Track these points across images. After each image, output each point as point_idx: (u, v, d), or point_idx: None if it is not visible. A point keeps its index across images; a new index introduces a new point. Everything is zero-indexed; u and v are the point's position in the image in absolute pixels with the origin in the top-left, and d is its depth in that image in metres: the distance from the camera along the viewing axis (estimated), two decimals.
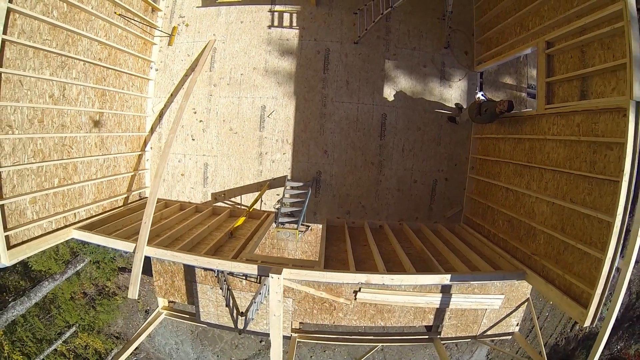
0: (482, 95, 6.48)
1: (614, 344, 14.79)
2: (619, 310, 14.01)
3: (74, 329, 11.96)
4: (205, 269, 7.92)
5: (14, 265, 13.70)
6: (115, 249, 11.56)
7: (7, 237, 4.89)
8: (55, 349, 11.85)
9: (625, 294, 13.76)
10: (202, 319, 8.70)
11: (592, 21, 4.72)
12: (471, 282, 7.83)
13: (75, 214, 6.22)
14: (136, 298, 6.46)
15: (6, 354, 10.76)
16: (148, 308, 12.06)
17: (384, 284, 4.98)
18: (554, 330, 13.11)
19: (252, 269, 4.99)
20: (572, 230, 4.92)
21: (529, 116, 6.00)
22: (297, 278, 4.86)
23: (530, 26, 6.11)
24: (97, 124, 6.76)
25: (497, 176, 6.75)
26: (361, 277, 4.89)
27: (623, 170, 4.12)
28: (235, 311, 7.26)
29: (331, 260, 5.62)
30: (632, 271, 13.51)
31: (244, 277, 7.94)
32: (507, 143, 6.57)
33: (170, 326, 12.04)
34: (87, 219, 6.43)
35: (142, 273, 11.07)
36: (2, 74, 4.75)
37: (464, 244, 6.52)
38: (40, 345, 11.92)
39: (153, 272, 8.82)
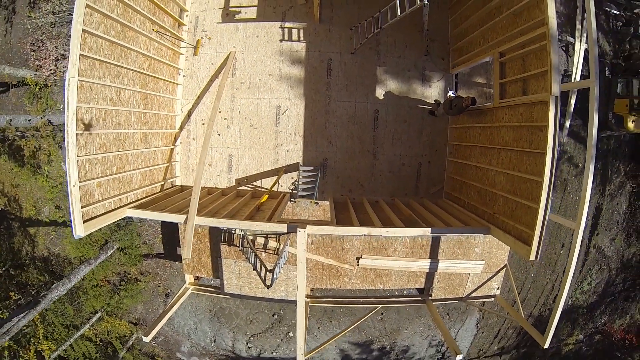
0: (452, 93, 8.71)
1: (598, 317, 16.87)
2: (601, 286, 16.29)
3: (99, 314, 13.87)
4: (242, 236, 9.99)
5: (34, 261, 15.60)
6: (139, 236, 13.59)
7: (82, 213, 6.75)
8: (83, 334, 13.75)
9: (605, 270, 16.09)
10: (226, 291, 10.78)
11: (529, 39, 6.97)
12: (448, 235, 10.17)
13: (127, 197, 8.25)
14: (189, 257, 8.46)
15: (40, 336, 12.61)
16: (168, 291, 14.06)
17: (381, 236, 7.16)
18: (537, 301, 15.35)
19: (282, 228, 7.11)
20: (520, 192, 7.12)
21: (489, 109, 8.25)
22: (317, 232, 7.02)
23: (489, 39, 8.35)
24: (142, 122, 8.85)
25: (469, 157, 8.98)
26: (364, 230, 7.05)
27: (547, 145, 6.35)
28: (263, 270, 9.36)
29: (340, 222, 7.79)
30: (610, 248, 15.90)
31: (263, 250, 10.08)
32: (474, 131, 8.81)
33: (189, 307, 14.05)
34: (135, 201, 8.46)
35: (163, 258, 13.13)
36: (79, 81, 6.75)
37: (445, 212, 8.74)
38: (69, 331, 13.83)
39: (182, 251, 10.89)
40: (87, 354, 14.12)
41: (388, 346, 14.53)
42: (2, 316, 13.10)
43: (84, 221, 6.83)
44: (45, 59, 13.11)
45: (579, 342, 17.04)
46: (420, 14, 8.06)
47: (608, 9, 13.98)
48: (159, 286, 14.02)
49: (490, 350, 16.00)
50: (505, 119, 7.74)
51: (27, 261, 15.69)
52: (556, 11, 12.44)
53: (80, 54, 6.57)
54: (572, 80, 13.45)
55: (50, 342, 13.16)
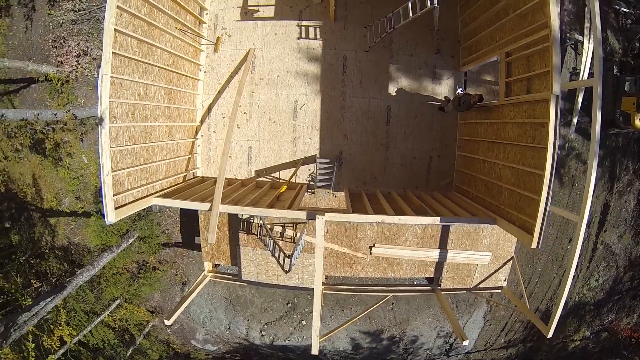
0: (461, 90, 9.43)
1: (605, 315, 17.49)
2: (609, 283, 16.87)
3: (118, 301, 14.80)
4: (261, 225, 10.80)
5: (54, 251, 16.56)
6: (158, 225, 14.46)
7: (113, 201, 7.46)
8: (102, 320, 14.68)
9: (613, 267, 16.70)
10: (243, 278, 11.59)
11: (533, 40, 7.67)
12: (457, 226, 10.91)
13: (153, 186, 9.02)
14: (214, 242, 9.30)
15: (62, 322, 13.51)
16: (185, 280, 14.95)
17: (393, 223, 7.92)
18: (543, 296, 16.06)
19: (302, 215, 7.88)
20: (523, 185, 7.82)
21: (495, 106, 8.96)
22: (335, 219, 7.79)
23: (497, 39, 9.03)
24: (166, 116, 9.66)
25: (477, 152, 9.69)
26: (378, 218, 7.81)
27: (548, 140, 7.06)
28: (282, 256, 10.17)
29: (355, 211, 8.57)
30: (618, 246, 16.49)
31: (280, 239, 10.88)
32: (482, 126, 9.52)
33: (205, 295, 14.93)
34: (159, 191, 9.26)
35: (181, 247, 14.00)
36: (111, 78, 7.52)
37: (454, 204, 9.48)
38: (89, 317, 14.79)
39: (201, 240, 11.73)
40: (106, 339, 15.07)
41: (397, 336, 15.33)
42: (25, 302, 14.06)
43: (115, 208, 7.62)
44: (67, 55, 13.98)
45: (586, 338, 17.67)
46: (431, 14, 8.79)
47: (618, 7, 14.55)
48: (176, 275, 14.91)
49: (497, 343, 16.75)
50: (510, 115, 8.44)
51: (46, 250, 16.65)
52: (565, 9, 13.14)
53: (113, 52, 7.35)
54: (580, 78, 14.09)
55: (71, 328, 14.08)
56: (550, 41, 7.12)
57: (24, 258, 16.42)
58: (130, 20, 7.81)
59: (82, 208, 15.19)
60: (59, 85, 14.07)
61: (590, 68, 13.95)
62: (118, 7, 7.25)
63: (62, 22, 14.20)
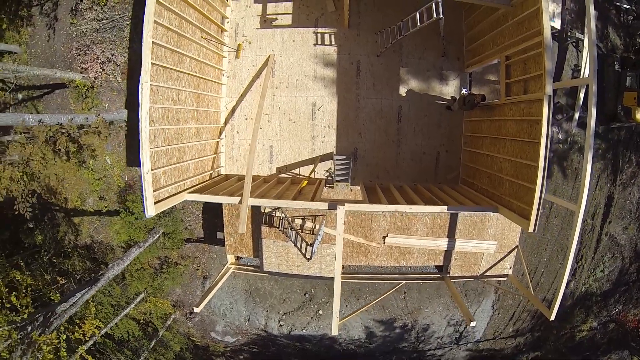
0: (465, 91, 10.80)
1: (612, 306, 18.50)
2: (614, 274, 18.01)
3: (142, 295, 16.23)
4: (282, 218, 12.23)
5: (77, 249, 18.00)
6: (182, 222, 15.89)
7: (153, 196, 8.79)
8: (127, 314, 16.11)
9: (619, 258, 17.89)
10: (265, 269, 12.98)
11: (529, 46, 8.99)
12: (464, 216, 12.22)
13: (184, 183, 10.43)
14: (244, 232, 10.68)
15: (92, 315, 14.93)
16: (207, 274, 16.38)
17: (405, 212, 9.28)
18: (550, 285, 17.29)
19: (324, 206, 9.23)
20: (522, 176, 9.13)
21: (497, 105, 10.30)
22: (353, 209, 9.16)
23: (498, 43, 10.36)
24: (195, 118, 11.07)
25: (481, 147, 11.02)
26: (392, 207, 9.17)
27: (541, 135, 8.39)
28: (304, 244, 11.57)
29: (371, 202, 9.95)
30: (623, 237, 17.68)
31: (301, 231, 12.28)
32: (485, 123, 10.86)
33: (226, 288, 16.33)
34: (190, 187, 10.65)
35: (203, 242, 15.44)
36: (150, 85, 8.85)
37: (460, 195, 10.83)
38: (115, 310, 16.24)
39: (225, 234, 13.11)
40: (131, 331, 16.52)
41: (409, 324, 16.69)
42: (53, 298, 15.47)
43: (155, 203, 9.05)
44: (91, 62, 15.42)
45: (593, 329, 18.74)
46: (437, 22, 10.15)
47: (619, 4, 15.69)
48: (197, 269, 16.35)
49: (506, 332, 18.03)
50: (510, 113, 9.77)
51: (69, 249, 18.10)
52: (567, 8, 14.43)
53: (151, 63, 8.75)
54: (581, 75, 15.38)
55: (98, 320, 15.49)
56: (542, 47, 8.41)
57: (47, 257, 17.89)
58: (164, 32, 9.17)
59: (106, 207, 16.60)
60: (84, 90, 15.50)
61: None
62: (155, 21, 8.64)
63: (86, 31, 15.62)
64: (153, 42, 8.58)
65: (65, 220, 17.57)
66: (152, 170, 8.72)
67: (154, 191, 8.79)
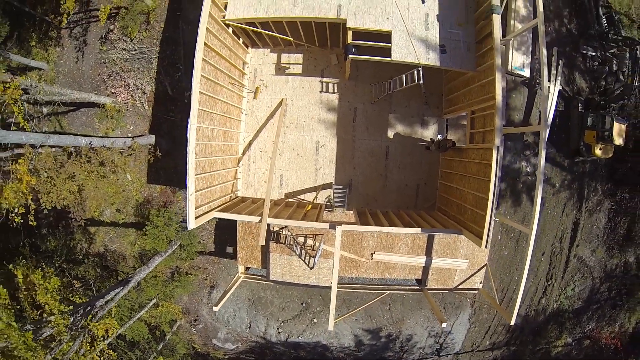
0: (440, 136, 15.01)
1: (585, 323, 22.01)
2: (585, 292, 22.13)
3: (154, 300, 20.07)
4: (287, 236, 16.35)
5: (88, 257, 21.70)
6: (196, 236, 19.90)
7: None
8: (140, 318, 19.91)
9: (588, 278, 21.82)
10: (271, 278, 16.96)
11: (487, 106, 13.27)
12: (440, 237, 16.18)
13: (212, 204, 14.46)
14: (263, 244, 14.70)
15: (113, 315, 18.66)
16: (214, 284, 20.28)
17: (389, 232, 13.51)
18: (522, 301, 21.42)
19: (326, 226, 13.30)
20: (479, 205, 13.18)
21: (464, 148, 14.58)
22: (348, 229, 13.34)
23: (467, 99, 14.57)
24: (222, 151, 15.20)
25: (452, 181, 15.19)
26: (377, 228, 13.26)
27: (491, 175, 12.61)
28: (308, 256, 15.68)
29: (362, 224, 14.14)
30: (592, 259, 21.72)
31: (304, 247, 16.43)
32: (455, 162, 15.04)
33: (231, 296, 20.16)
34: (216, 207, 14.68)
35: (212, 255, 19.66)
36: (195, 126, 12.91)
37: (434, 220, 15.04)
38: (130, 313, 20.05)
39: (238, 248, 17.05)
40: (142, 334, 20.30)
41: (394, 334, 20.72)
42: (78, 300, 19.14)
43: (195, 218, 12.98)
44: (119, 87, 19.46)
45: (568, 345, 22.29)
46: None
47: (585, 51, 19.75)
48: (205, 279, 20.29)
49: (483, 345, 21.99)
50: (472, 156, 13.94)
51: (80, 257, 21.79)
52: (536, 58, 19.02)
53: (198, 109, 12.65)
54: (547, 115, 19.79)
55: (115, 322, 19.23)
56: (494, 109, 12.47)
57: (58, 263, 21.50)
58: (206, 82, 13.12)
59: (123, 219, 20.49)
60: (113, 113, 19.42)
61: (556, 108, 19.57)
62: (202, 75, 12.65)
63: (117, 59, 19.61)
64: (200, 92, 12.43)
65: (80, 229, 21.18)
66: (195, 192, 12.53)
67: (195, 209, 12.57)
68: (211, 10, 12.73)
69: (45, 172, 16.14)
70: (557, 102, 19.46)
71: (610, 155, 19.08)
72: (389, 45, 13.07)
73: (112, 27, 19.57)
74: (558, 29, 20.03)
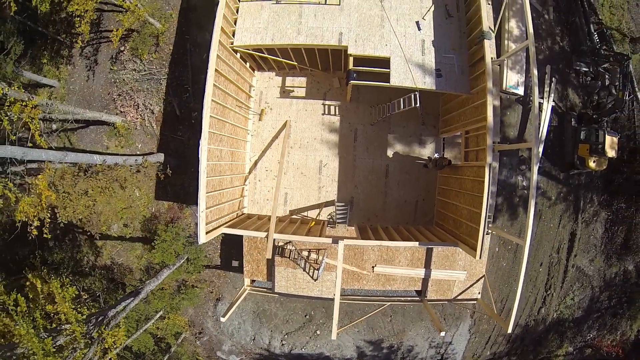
0: (437, 154, 16.29)
1: (586, 332, 22.88)
2: (585, 301, 23.16)
3: (161, 312, 21.19)
4: (291, 250, 17.59)
5: (94, 270, 22.82)
6: (202, 251, 21.13)
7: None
8: (146, 329, 21.04)
9: (588, 287, 22.66)
10: (276, 290, 18.13)
11: (479, 126, 14.52)
12: (438, 250, 17.37)
13: (220, 220, 15.70)
14: (269, 257, 15.89)
15: (121, 325, 19.75)
16: (220, 297, 21.45)
17: (389, 246, 14.77)
18: (522, 312, 22.36)
19: (329, 240, 14.49)
20: (473, 220, 14.24)
21: (459, 166, 15.85)
22: (349, 243, 14.53)
23: (462, 120, 15.83)
24: (230, 170, 16.50)
25: (449, 197, 16.41)
26: (377, 242, 14.46)
27: (483, 191, 13.84)
28: (312, 269, 16.91)
29: (363, 238, 15.39)
30: (590, 268, 22.76)
31: (307, 261, 17.68)
32: (452, 179, 16.26)
33: (236, 309, 21.34)
34: (224, 223, 15.91)
35: (218, 268, 20.97)
36: (206, 147, 14.09)
37: (431, 234, 16.30)
38: (137, 325, 21.18)
39: (244, 261, 18.23)
40: (148, 346, 21.38)
41: (396, 345, 21.81)
42: (86, 312, 20.28)
43: (206, 233, 14.09)
44: (129, 106, 20.76)
45: (569, 354, 23.15)
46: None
47: (578, 68, 20.69)
48: (211, 292, 21.47)
49: (484, 355, 22.93)
50: (467, 173, 15.03)
51: (87, 269, 22.92)
52: (529, 76, 20.12)
53: (210, 131, 13.80)
54: (540, 133, 21.05)
55: (123, 332, 20.33)
56: (486, 130, 13.59)
57: (65, 274, 22.53)
58: (215, 106, 14.25)
59: (130, 234, 21.69)
60: (122, 131, 20.72)
61: (550, 123, 20.83)
62: (212, 100, 13.92)
63: (127, 80, 20.94)
64: (211, 116, 13.60)
65: (87, 243, 22.36)
66: (206, 209, 13.66)
67: (206, 224, 13.70)
68: (221, 38, 13.96)
69: (62, 187, 17.44)
70: (550, 118, 20.45)
71: (604, 167, 20.05)
72: (388, 70, 14.28)
73: (122, 48, 20.78)
74: (551, 46, 21.14)
